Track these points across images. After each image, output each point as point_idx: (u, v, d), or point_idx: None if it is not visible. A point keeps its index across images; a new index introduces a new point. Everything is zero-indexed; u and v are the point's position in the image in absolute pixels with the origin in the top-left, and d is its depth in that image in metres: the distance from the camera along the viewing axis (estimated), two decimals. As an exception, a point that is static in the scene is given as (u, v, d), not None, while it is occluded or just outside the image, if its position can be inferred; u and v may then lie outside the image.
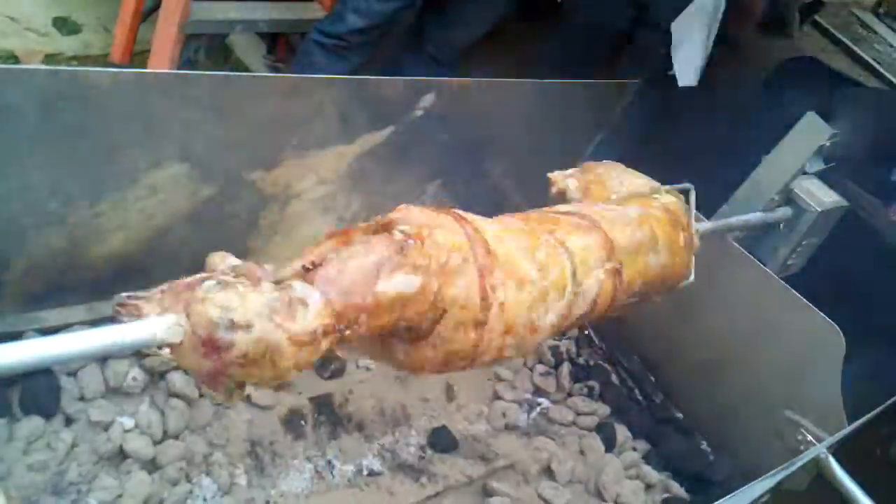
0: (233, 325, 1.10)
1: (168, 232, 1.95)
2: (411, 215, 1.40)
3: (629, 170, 2.07)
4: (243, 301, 1.11)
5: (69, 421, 1.90)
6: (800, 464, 1.91)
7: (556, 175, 1.99)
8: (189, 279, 1.15)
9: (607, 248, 1.76)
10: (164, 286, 1.15)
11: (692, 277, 2.08)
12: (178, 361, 1.13)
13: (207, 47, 3.66)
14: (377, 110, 2.09)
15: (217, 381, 1.12)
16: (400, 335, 1.42)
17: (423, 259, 1.35)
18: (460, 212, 1.49)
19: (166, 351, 1.11)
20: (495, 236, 1.52)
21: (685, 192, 2.08)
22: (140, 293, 1.13)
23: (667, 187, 2.03)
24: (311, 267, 1.22)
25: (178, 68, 3.19)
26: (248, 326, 1.11)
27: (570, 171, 2.01)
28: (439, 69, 3.58)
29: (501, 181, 2.47)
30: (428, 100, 2.12)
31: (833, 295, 2.34)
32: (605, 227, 1.77)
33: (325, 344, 1.20)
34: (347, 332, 1.24)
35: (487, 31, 3.54)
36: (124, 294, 1.13)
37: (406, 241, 1.33)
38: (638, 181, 2.03)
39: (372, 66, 3.54)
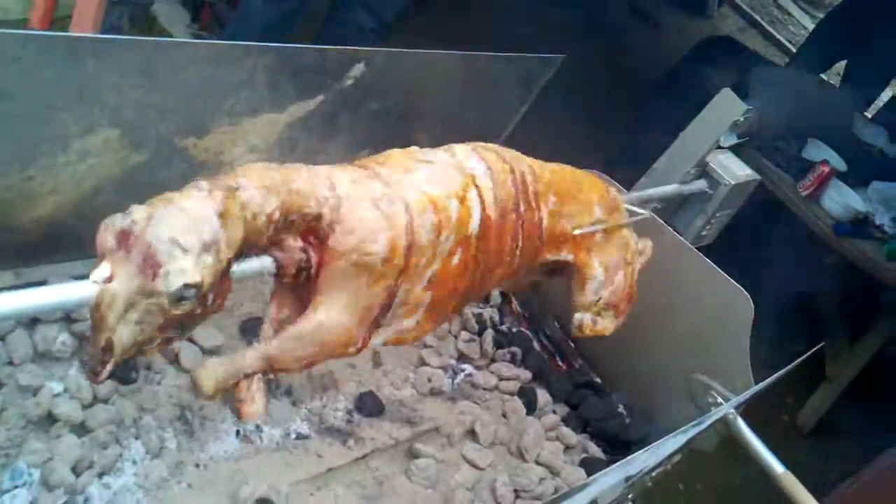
0: (129, 211, 1.22)
1: (99, 197, 1.94)
2: None
3: None
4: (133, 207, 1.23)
5: (-3, 385, 1.89)
6: (709, 422, 2.01)
7: None
8: None
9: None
10: None
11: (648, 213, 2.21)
12: (123, 291, 1.18)
13: (131, 15, 3.61)
14: (307, 79, 2.10)
15: (153, 261, 1.18)
16: (321, 225, 1.48)
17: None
18: None
19: (110, 287, 1.16)
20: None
21: None
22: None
23: None
24: None
25: (102, 35, 3.15)
26: (142, 204, 1.23)
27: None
28: (371, 16, 3.75)
29: (429, 152, 2.51)
30: (358, 69, 2.14)
31: (744, 263, 2.45)
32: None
33: (230, 203, 1.30)
34: (243, 193, 1.35)
35: None
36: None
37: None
38: None
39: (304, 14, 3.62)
